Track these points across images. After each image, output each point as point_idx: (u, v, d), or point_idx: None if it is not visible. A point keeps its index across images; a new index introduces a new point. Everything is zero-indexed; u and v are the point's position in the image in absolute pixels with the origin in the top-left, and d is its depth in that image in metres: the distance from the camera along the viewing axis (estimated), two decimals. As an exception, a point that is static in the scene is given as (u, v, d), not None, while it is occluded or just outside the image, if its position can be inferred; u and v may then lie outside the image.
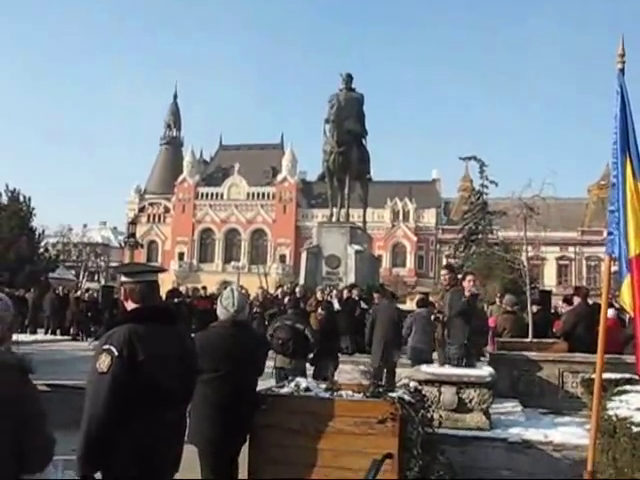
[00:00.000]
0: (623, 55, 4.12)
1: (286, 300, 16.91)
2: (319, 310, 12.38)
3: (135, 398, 3.54)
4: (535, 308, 14.92)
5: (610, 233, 4.24)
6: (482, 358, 10.94)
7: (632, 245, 4.20)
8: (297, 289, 20.28)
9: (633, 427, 4.57)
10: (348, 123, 24.15)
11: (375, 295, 18.72)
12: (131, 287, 3.84)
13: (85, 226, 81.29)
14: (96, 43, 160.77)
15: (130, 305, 3.83)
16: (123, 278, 3.91)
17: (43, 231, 49.95)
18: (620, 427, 4.76)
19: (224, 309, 5.35)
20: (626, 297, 4.16)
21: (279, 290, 21.41)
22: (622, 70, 4.15)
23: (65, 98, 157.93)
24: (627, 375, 7.34)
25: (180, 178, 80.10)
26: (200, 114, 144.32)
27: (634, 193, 4.18)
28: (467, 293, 9.89)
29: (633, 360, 9.10)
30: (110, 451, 3.53)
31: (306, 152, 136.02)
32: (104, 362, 3.54)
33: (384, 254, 69.28)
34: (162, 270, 4.30)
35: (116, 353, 3.53)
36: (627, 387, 6.40)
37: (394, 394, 5.11)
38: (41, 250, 47.93)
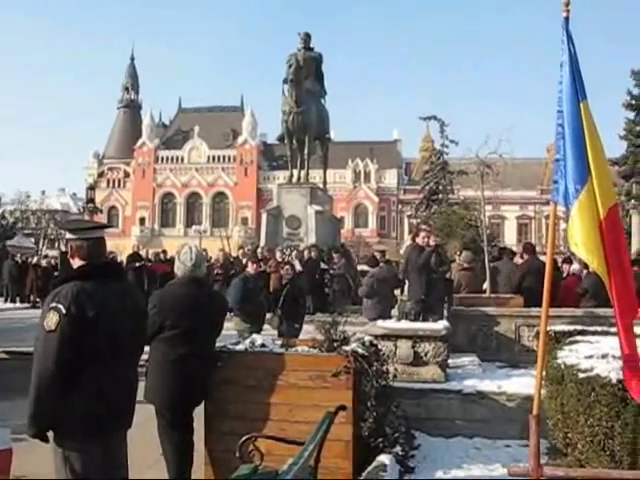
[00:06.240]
0: (568, 4, 4.14)
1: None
2: (281, 271, 12.41)
3: (84, 355, 3.53)
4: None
5: (555, 182, 4.25)
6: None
7: (600, 208, 4.07)
8: (258, 250, 20.32)
9: (580, 373, 4.68)
10: (307, 83, 23.95)
11: (335, 255, 18.91)
12: (77, 244, 3.78)
13: (43, 193, 79.88)
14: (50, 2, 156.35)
15: (77, 262, 3.78)
16: (69, 235, 3.86)
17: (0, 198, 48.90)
18: (567, 374, 4.87)
19: (182, 264, 5.34)
20: (573, 234, 4.09)
21: (240, 252, 21.39)
22: (567, 18, 4.17)
23: (19, 59, 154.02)
24: (579, 327, 7.51)
25: (139, 142, 78.88)
26: (158, 76, 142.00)
27: (594, 139, 4.13)
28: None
29: (587, 313, 9.39)
30: (60, 409, 3.52)
31: (267, 113, 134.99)
32: (52, 320, 3.50)
33: (346, 215, 69.45)
34: (108, 226, 4.26)
35: (64, 311, 3.49)
36: (578, 338, 6.52)
37: (348, 347, 5.16)
38: (-3, 218, 46.99)
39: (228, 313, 9.91)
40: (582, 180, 4.08)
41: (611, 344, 5.20)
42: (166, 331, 5.08)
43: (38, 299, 22.84)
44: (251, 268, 10.53)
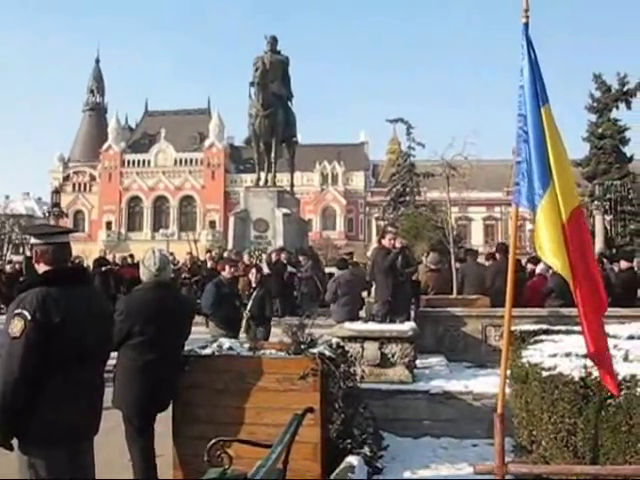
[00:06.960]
0: (527, 10, 4.21)
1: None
2: (249, 275, 12.31)
3: (51, 361, 3.50)
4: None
5: (517, 184, 4.32)
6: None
7: (562, 211, 4.14)
8: (225, 254, 20.25)
9: (543, 372, 4.76)
10: (273, 86, 23.93)
11: (302, 258, 18.92)
12: (42, 249, 3.76)
13: (7, 197, 78.40)
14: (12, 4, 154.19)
15: (42, 268, 3.76)
16: (33, 240, 3.83)
17: (-38, 203, 48.00)
18: (532, 373, 4.95)
19: (146, 269, 5.34)
20: (538, 239, 4.17)
21: (207, 255, 21.32)
22: (526, 24, 4.24)
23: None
24: (544, 326, 7.62)
25: (105, 145, 77.99)
26: (124, 79, 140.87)
27: (556, 142, 4.19)
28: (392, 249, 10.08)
29: (552, 312, 9.51)
30: (26, 416, 3.49)
31: (234, 116, 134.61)
32: (17, 326, 3.47)
33: (314, 218, 69.47)
34: (73, 231, 4.24)
35: (29, 317, 3.47)
36: (543, 337, 6.62)
37: (315, 350, 5.18)
38: (-41, 223, 46.10)
39: (204, 318, 9.90)
40: (544, 185, 4.15)
41: (574, 342, 5.30)
42: (134, 337, 5.06)
43: (2, 305, 22.46)
44: (227, 272, 10.23)
